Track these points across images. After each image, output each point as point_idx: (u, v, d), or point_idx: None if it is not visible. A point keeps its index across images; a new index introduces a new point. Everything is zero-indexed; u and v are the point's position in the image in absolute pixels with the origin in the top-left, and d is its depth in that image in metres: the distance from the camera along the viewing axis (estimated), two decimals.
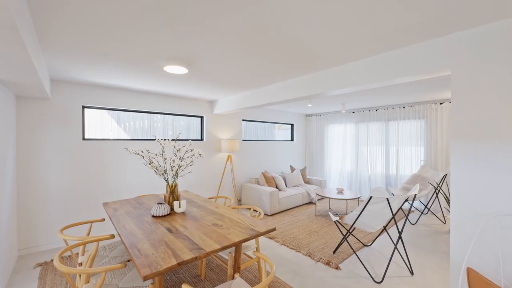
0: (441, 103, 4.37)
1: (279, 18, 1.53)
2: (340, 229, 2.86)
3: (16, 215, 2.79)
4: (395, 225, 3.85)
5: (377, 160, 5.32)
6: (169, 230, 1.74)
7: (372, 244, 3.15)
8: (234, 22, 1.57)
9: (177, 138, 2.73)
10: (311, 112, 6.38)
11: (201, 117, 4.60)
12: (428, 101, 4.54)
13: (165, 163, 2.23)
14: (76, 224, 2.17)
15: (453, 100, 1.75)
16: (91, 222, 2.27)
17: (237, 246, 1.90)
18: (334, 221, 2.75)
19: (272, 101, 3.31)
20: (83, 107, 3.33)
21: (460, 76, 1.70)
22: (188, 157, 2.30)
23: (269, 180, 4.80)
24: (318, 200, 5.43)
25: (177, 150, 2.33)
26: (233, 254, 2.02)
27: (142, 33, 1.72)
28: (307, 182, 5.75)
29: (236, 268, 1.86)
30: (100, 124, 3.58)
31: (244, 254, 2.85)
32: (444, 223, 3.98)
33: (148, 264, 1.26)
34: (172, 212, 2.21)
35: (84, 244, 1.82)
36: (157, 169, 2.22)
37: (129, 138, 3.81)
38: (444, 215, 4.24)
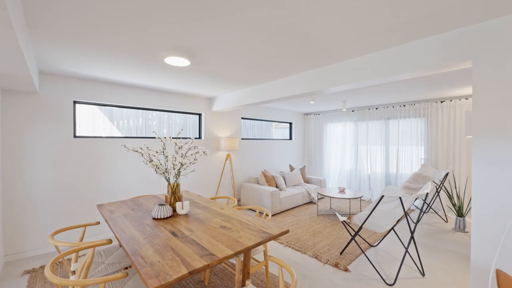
0: (441, 102, 4.36)
1: (288, 10, 1.41)
2: (348, 229, 2.77)
3: (1, 218, 2.56)
4: (399, 225, 3.80)
5: (377, 159, 5.28)
6: (174, 234, 1.60)
7: (378, 245, 3.07)
8: (244, 13, 1.44)
9: (177, 136, 2.58)
10: (310, 111, 6.30)
11: (199, 115, 4.43)
12: (428, 100, 4.52)
13: (167, 161, 2.07)
14: (68, 228, 1.98)
15: (474, 93, 1.67)
16: (85, 225, 2.09)
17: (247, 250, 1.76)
18: (342, 221, 2.66)
19: (274, 97, 3.19)
20: (75, 102, 3.12)
21: (483, 68, 1.62)
22: (191, 154, 2.15)
23: (269, 180, 4.68)
24: (318, 199, 5.34)
25: (179, 148, 2.18)
26: (241, 259, 1.89)
27: (143, 20, 1.57)
28: (307, 181, 5.66)
29: (246, 274, 1.73)
30: (91, 121, 3.37)
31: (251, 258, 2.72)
32: (446, 222, 3.96)
33: (155, 274, 1.11)
34: (174, 214, 2.05)
35: (79, 250, 1.65)
36: (158, 168, 2.07)
37: (124, 135, 3.61)
38: (446, 214, 4.22)
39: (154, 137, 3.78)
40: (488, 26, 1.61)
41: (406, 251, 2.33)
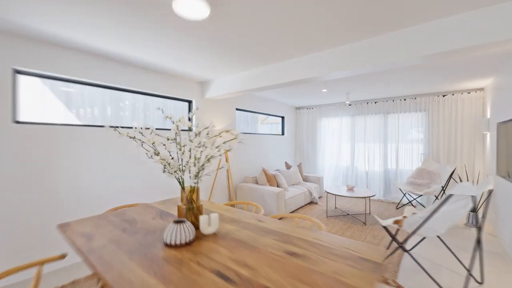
0: (443, 95, 4.30)
1: None
2: (394, 237, 2.36)
3: None
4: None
5: (375, 155, 5.09)
6: (224, 277, 0.92)
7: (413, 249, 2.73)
8: None
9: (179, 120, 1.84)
10: (302, 105, 5.90)
11: (190, 102, 3.64)
12: (430, 93, 4.44)
13: (183, 153, 1.35)
14: (10, 271, 1.14)
15: None
16: (41, 262, 1.25)
17: None
18: (383, 226, 2.23)
19: (282, 81, 2.73)
20: (16, 71, 2.13)
21: None
22: (216, 147, 1.46)
23: (270, 179, 4.10)
24: (318, 198, 4.94)
25: (196, 135, 1.47)
26: None
27: None
28: (305, 179, 5.23)
29: None
30: (40, 107, 2.36)
31: None
32: None
33: None
34: (197, 234, 1.35)
35: None
36: (169, 164, 1.34)
37: (93, 123, 2.67)
38: None
39: (131, 127, 2.91)
40: None
41: (468, 270, 1.99)
